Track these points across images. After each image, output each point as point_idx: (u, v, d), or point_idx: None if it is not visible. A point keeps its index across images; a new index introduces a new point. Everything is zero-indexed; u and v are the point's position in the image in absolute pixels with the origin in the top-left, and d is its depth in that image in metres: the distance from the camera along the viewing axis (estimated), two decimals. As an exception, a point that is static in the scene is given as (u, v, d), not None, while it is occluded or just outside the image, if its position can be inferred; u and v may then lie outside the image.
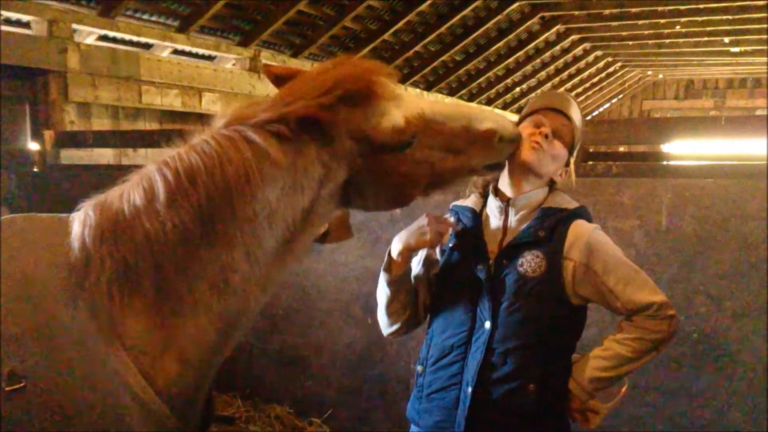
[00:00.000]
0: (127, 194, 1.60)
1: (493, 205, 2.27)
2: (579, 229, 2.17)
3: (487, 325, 2.14)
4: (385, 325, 2.37)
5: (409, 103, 1.82)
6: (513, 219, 2.23)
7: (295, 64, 8.59)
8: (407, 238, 2.17)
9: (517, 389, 2.11)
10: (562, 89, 15.65)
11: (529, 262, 2.13)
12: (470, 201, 2.37)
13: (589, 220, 2.26)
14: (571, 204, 2.25)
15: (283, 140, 1.63)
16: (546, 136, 2.17)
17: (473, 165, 1.98)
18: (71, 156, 5.66)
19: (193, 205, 1.55)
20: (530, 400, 2.10)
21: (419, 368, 2.32)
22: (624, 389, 2.24)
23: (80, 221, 1.59)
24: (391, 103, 1.77)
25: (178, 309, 1.57)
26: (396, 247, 2.21)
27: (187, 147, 1.64)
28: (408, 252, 2.20)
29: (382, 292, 2.29)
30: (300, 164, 1.66)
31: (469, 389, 2.13)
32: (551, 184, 2.28)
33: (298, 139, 1.65)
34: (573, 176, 2.35)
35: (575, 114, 2.26)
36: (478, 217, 2.30)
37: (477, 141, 1.93)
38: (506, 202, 2.23)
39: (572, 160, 2.31)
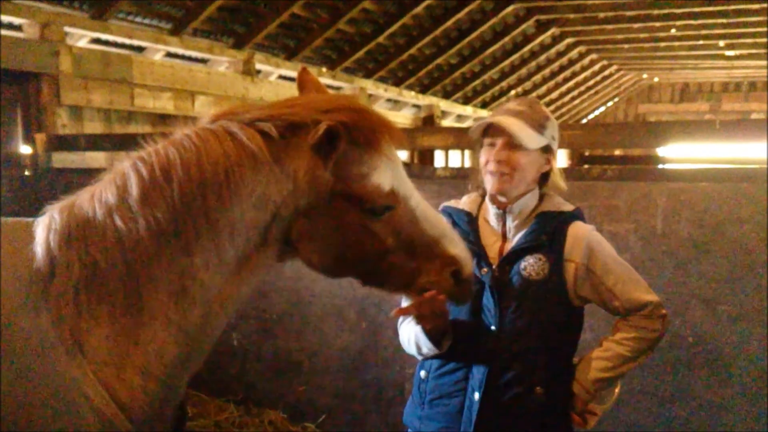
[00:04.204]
0: (99, 193, 1.54)
1: (491, 211, 2.28)
2: (578, 230, 2.20)
3: (493, 330, 2.15)
4: (416, 355, 2.31)
5: (403, 178, 1.72)
6: (511, 225, 2.25)
7: (288, 67, 8.57)
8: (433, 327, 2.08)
9: (525, 393, 2.13)
10: (557, 92, 15.70)
11: (532, 265, 2.15)
12: (465, 203, 2.36)
13: (584, 222, 2.28)
14: (567, 206, 2.28)
15: (271, 141, 1.55)
16: (499, 162, 2.13)
17: (416, 278, 1.78)
18: (63, 159, 5.62)
19: (166, 201, 1.49)
20: (537, 402, 2.13)
21: (422, 374, 2.32)
22: (617, 390, 2.28)
23: (45, 225, 1.54)
24: (388, 164, 1.67)
25: (142, 318, 1.52)
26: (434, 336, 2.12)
27: (167, 141, 1.58)
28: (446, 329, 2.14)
29: (430, 353, 2.21)
30: (277, 171, 1.57)
31: (476, 395, 2.14)
32: (540, 181, 2.26)
33: (288, 144, 1.57)
34: (561, 176, 2.32)
35: (526, 115, 2.16)
36: (474, 221, 2.30)
37: (435, 260, 1.77)
38: (503, 210, 2.23)
39: (554, 147, 2.25)
